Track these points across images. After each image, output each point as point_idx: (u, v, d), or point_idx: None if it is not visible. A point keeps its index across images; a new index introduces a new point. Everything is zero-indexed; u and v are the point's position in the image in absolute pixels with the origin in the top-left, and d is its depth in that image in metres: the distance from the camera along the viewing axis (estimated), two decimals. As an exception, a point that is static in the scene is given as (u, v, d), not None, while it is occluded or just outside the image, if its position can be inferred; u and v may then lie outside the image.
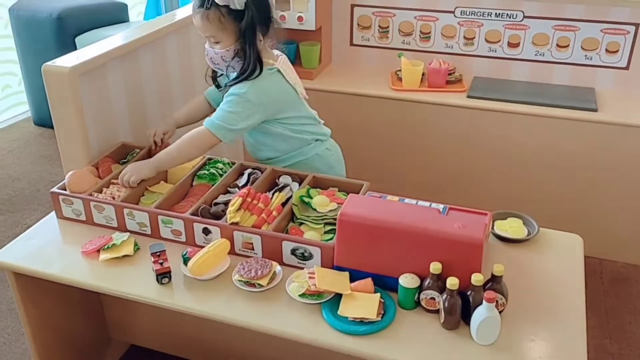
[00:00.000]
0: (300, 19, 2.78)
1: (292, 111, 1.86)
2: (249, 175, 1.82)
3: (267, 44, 1.78)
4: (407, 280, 1.37)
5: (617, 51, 2.65)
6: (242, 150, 3.04)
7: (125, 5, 3.99)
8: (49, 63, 1.81)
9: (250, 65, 1.72)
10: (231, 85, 1.75)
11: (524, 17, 2.72)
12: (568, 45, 2.70)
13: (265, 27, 1.73)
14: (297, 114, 1.88)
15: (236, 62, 1.74)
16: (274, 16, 1.76)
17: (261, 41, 1.74)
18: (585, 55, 2.70)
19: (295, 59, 2.93)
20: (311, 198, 1.65)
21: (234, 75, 1.79)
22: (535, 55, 2.76)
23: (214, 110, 1.84)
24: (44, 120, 3.86)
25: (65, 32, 3.54)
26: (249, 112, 1.74)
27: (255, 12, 1.67)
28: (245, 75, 1.72)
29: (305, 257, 1.51)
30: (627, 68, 2.67)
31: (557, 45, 2.72)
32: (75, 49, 3.23)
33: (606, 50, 2.66)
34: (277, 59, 1.82)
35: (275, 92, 1.79)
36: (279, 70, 1.80)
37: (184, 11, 2.46)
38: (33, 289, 1.70)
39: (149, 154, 1.90)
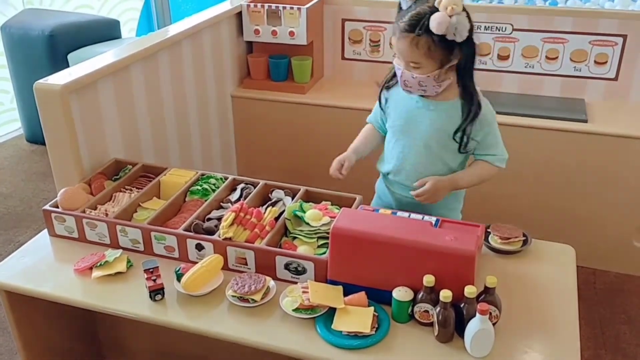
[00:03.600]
0: (291, 33, 2.80)
1: None
2: (242, 190, 1.82)
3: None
4: (401, 294, 1.37)
5: (605, 62, 2.68)
6: (235, 165, 3.05)
7: (118, 22, 4.01)
8: (40, 81, 1.82)
9: (475, 102, 1.64)
10: (463, 127, 1.65)
11: (513, 29, 2.75)
12: (557, 57, 2.73)
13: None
14: None
15: (432, 87, 1.62)
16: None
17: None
18: (575, 67, 2.73)
19: (287, 74, 2.95)
20: (304, 212, 1.66)
21: (420, 94, 1.68)
22: (525, 67, 2.79)
23: (382, 136, 1.85)
24: (36, 138, 3.85)
25: (58, 50, 3.55)
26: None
27: (474, 42, 1.58)
28: (474, 114, 1.64)
29: (299, 271, 1.51)
30: (616, 79, 2.70)
31: (547, 57, 2.74)
32: (67, 66, 3.25)
33: (595, 61, 2.69)
34: None
35: None
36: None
37: (177, 27, 2.48)
38: (25, 308, 1.68)
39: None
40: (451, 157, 1.72)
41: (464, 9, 1.52)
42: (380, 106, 1.82)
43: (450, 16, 1.48)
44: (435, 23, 1.49)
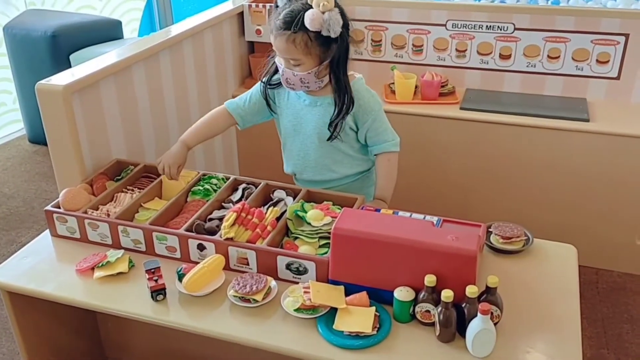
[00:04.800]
0: (293, 34, 2.80)
1: None
2: (243, 190, 1.82)
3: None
4: (402, 294, 1.37)
5: (607, 61, 2.67)
6: (237, 165, 3.05)
7: (120, 22, 4.01)
8: (42, 81, 1.82)
9: (348, 96, 1.71)
10: (335, 123, 1.74)
11: (515, 29, 2.74)
12: (559, 57, 2.72)
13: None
14: None
15: (313, 83, 1.71)
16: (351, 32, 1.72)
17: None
18: (576, 66, 2.72)
19: (289, 74, 2.94)
20: (305, 212, 1.66)
21: (303, 91, 1.77)
22: (527, 66, 2.78)
23: (234, 122, 1.90)
24: (38, 138, 3.86)
25: (60, 50, 3.55)
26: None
27: (347, 37, 1.66)
28: (347, 107, 1.72)
29: (300, 271, 1.51)
30: (618, 78, 2.69)
31: (548, 56, 2.74)
32: (69, 66, 3.26)
33: (597, 60, 2.69)
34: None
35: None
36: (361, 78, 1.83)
37: (178, 27, 2.48)
38: (27, 308, 1.69)
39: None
40: (347, 146, 1.84)
41: (337, 5, 1.61)
42: (266, 100, 1.85)
43: (322, 12, 1.56)
44: (309, 20, 1.57)
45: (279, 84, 1.80)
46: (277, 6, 1.66)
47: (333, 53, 1.65)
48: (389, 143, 1.82)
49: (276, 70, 1.77)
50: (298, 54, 1.63)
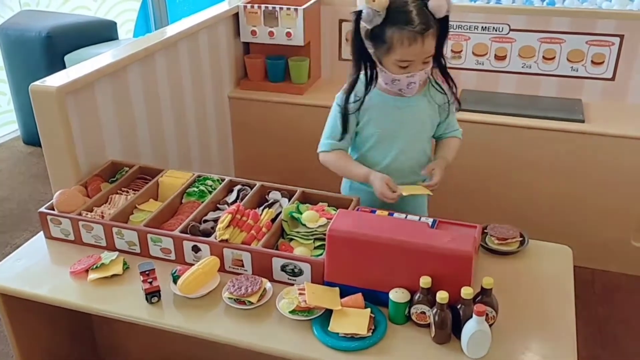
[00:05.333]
0: (288, 34, 2.80)
1: None
2: (239, 191, 1.82)
3: None
4: (398, 295, 1.37)
5: (602, 62, 2.68)
6: (233, 166, 3.05)
7: (115, 23, 4.00)
8: (36, 83, 1.81)
9: (451, 79, 1.69)
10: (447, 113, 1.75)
11: (510, 30, 2.75)
12: (554, 58, 2.73)
13: None
14: None
15: (424, 77, 1.64)
16: None
17: None
18: (572, 67, 2.73)
19: (285, 75, 2.95)
20: (301, 214, 1.65)
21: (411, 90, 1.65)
22: (522, 67, 2.79)
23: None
24: (33, 139, 3.84)
25: (54, 51, 3.54)
26: None
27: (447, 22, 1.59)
28: (455, 92, 1.71)
29: (295, 273, 1.51)
30: (612, 79, 2.70)
31: (544, 57, 2.74)
32: (64, 67, 3.25)
33: (592, 61, 2.69)
34: None
35: None
36: None
37: (174, 28, 2.48)
38: (21, 311, 1.68)
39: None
40: (428, 145, 1.80)
41: None
42: (355, 124, 1.72)
43: None
44: (437, 8, 1.51)
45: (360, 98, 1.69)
46: (375, 27, 1.53)
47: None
48: (459, 131, 1.83)
49: (352, 87, 1.67)
50: (433, 48, 1.57)
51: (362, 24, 1.55)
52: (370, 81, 1.66)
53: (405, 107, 1.70)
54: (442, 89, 1.72)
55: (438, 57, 1.63)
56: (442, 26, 1.56)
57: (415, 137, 1.75)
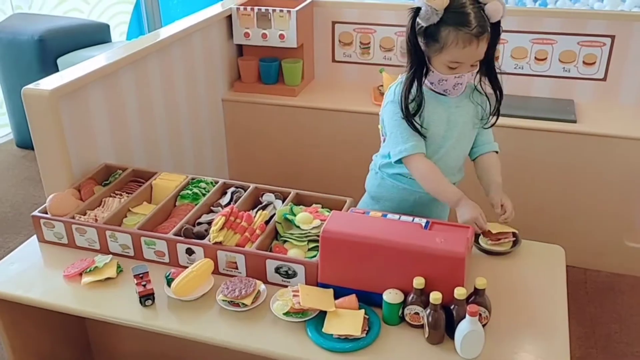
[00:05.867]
0: (281, 36, 2.80)
1: None
2: (232, 194, 1.82)
3: None
4: (391, 296, 1.38)
5: (594, 63, 2.70)
6: (227, 168, 3.05)
7: (107, 26, 3.99)
8: (29, 86, 1.81)
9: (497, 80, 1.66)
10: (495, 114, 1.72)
11: (502, 31, 2.75)
12: (546, 58, 2.74)
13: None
14: None
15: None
16: None
17: None
18: (564, 68, 2.74)
19: (278, 77, 2.95)
20: (294, 215, 1.66)
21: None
22: (515, 68, 2.80)
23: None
24: (26, 143, 3.83)
25: (47, 54, 3.53)
26: None
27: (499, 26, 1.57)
28: (501, 94, 1.68)
29: (289, 275, 1.51)
30: (604, 79, 2.71)
31: (536, 58, 2.76)
32: (57, 70, 3.24)
33: (583, 62, 2.71)
34: None
35: None
36: None
37: (167, 31, 2.48)
38: (15, 314, 1.68)
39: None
40: (469, 147, 1.79)
41: None
42: (419, 131, 1.64)
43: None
44: (494, 12, 1.51)
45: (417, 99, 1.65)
46: (430, 25, 1.51)
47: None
48: (496, 144, 1.80)
49: (409, 90, 1.62)
50: (484, 52, 1.57)
51: (418, 20, 1.54)
52: (422, 79, 1.64)
53: (455, 108, 1.69)
54: (485, 94, 1.71)
55: (489, 63, 1.63)
56: (494, 31, 1.55)
57: (462, 137, 1.73)
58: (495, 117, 1.74)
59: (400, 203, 1.79)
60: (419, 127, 1.63)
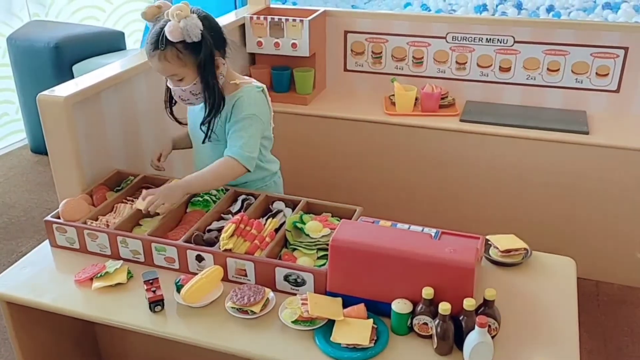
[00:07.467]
0: (294, 45, 2.82)
1: (268, 132, 1.92)
2: (243, 201, 1.82)
3: (230, 66, 1.80)
4: (400, 306, 1.37)
5: (607, 74, 2.69)
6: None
7: (122, 34, 4.04)
8: (44, 93, 1.83)
9: (217, 96, 1.72)
10: (206, 123, 1.77)
11: (515, 42, 2.76)
12: (559, 69, 2.74)
13: (223, 51, 1.75)
14: (269, 135, 1.94)
15: (206, 93, 1.74)
16: (226, 35, 1.76)
17: (224, 64, 1.75)
18: (576, 79, 2.73)
19: (290, 85, 2.97)
20: (304, 224, 1.66)
21: (200, 103, 1.78)
22: (527, 79, 2.80)
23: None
24: (40, 148, 3.88)
25: (63, 61, 3.58)
26: (259, 131, 1.81)
27: (211, 40, 1.67)
28: (217, 108, 1.74)
29: (298, 283, 1.51)
30: (617, 91, 2.70)
31: (548, 69, 2.75)
32: (72, 77, 3.27)
33: (596, 73, 2.70)
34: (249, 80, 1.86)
35: (267, 110, 1.87)
36: (264, 90, 1.85)
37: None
38: (26, 318, 1.69)
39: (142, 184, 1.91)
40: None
41: (195, 12, 1.64)
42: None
43: (179, 21, 1.59)
44: (168, 32, 1.61)
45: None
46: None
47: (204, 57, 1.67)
48: (236, 148, 1.75)
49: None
50: (175, 69, 1.67)
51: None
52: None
53: (200, 111, 1.82)
54: (209, 100, 1.77)
55: (200, 73, 1.70)
56: (194, 50, 1.66)
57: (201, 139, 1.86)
58: (206, 132, 1.80)
59: None
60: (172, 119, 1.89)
